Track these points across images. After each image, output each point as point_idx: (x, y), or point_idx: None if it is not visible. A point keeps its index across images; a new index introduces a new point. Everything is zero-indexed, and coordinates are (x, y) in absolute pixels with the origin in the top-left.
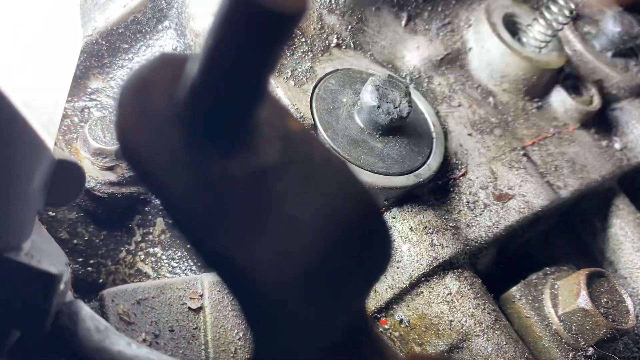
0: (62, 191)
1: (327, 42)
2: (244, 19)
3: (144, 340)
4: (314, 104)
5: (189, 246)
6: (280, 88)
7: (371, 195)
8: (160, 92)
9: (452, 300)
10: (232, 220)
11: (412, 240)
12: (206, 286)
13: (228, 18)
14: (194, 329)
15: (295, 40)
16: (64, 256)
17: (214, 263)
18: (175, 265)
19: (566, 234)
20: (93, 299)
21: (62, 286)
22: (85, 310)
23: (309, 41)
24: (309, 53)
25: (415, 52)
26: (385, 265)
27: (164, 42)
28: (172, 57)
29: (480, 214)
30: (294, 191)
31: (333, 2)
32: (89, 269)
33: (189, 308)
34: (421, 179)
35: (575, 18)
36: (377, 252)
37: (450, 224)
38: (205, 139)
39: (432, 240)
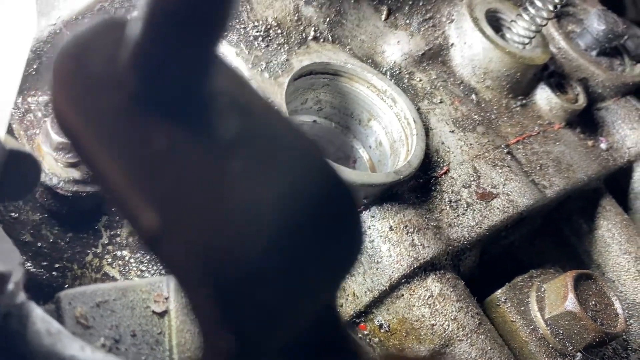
0: (15, 184)
1: (304, 34)
2: None
3: (103, 345)
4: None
5: (126, 224)
6: (254, 80)
7: (340, 176)
8: (100, 56)
9: (433, 303)
10: (181, 195)
11: (392, 240)
12: (172, 288)
13: None
14: (158, 333)
15: (271, 31)
16: (17, 255)
17: (151, 241)
18: (144, 268)
19: (552, 236)
20: (49, 302)
21: (10, 286)
22: (37, 312)
23: (285, 33)
24: (285, 45)
25: (396, 47)
26: (356, 253)
27: None
28: (115, 20)
29: (463, 213)
30: (253, 170)
31: None
32: (54, 273)
33: (153, 312)
34: (401, 176)
35: (559, 14)
36: (347, 238)
37: (432, 224)
38: (150, 107)
39: (412, 240)
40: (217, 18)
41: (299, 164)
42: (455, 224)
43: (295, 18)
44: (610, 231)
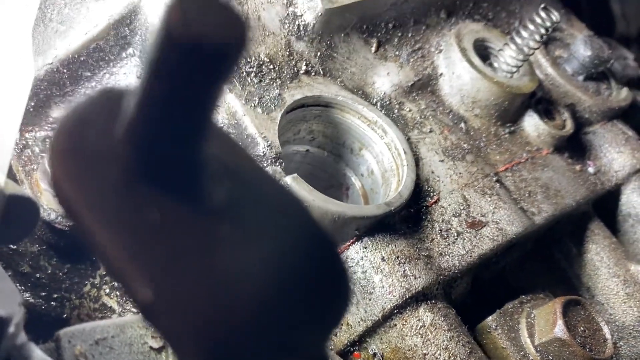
0: (14, 228)
1: (295, 69)
2: (176, 52)
3: None
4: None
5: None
6: (248, 116)
7: (327, 234)
8: (97, 129)
9: (425, 332)
10: (174, 267)
11: (384, 271)
12: None
13: (161, 50)
14: None
15: (263, 67)
16: (17, 295)
17: (146, 312)
18: None
19: (542, 260)
20: (49, 340)
21: (12, 329)
22: (37, 354)
23: (277, 68)
24: (277, 80)
25: (386, 78)
26: (343, 311)
27: (128, 70)
28: (112, 91)
29: (454, 242)
30: (243, 234)
31: (301, 28)
32: (52, 303)
33: (151, 347)
34: (392, 208)
35: (546, 42)
36: (334, 295)
37: (423, 253)
38: (144, 180)
39: (404, 271)
40: (210, 92)
41: (285, 221)
42: (446, 253)
43: (287, 53)
44: (599, 255)
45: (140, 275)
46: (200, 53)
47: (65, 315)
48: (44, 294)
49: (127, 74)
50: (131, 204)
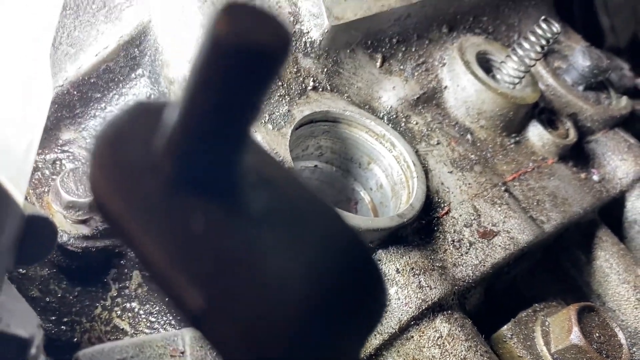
0: (33, 248)
1: (303, 85)
2: (223, 61)
3: None
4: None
5: (168, 305)
6: (259, 133)
7: (360, 239)
8: (136, 142)
9: (443, 343)
10: (222, 274)
11: (399, 283)
12: (187, 342)
13: (207, 61)
14: None
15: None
16: (35, 317)
17: (197, 321)
18: (153, 320)
19: (551, 269)
20: None
21: (33, 350)
22: None
23: (285, 85)
24: (286, 97)
25: (392, 92)
26: (380, 313)
27: (138, 91)
28: (149, 104)
29: (466, 253)
30: (282, 240)
31: (308, 45)
32: (62, 327)
33: None
34: (405, 219)
35: (547, 54)
36: (370, 299)
37: (437, 264)
38: (186, 190)
39: (419, 282)
40: (254, 101)
41: (320, 228)
42: (460, 263)
43: (295, 70)
44: (608, 261)
45: (190, 283)
46: (245, 61)
47: (75, 339)
48: (53, 318)
49: (136, 94)
50: (176, 214)
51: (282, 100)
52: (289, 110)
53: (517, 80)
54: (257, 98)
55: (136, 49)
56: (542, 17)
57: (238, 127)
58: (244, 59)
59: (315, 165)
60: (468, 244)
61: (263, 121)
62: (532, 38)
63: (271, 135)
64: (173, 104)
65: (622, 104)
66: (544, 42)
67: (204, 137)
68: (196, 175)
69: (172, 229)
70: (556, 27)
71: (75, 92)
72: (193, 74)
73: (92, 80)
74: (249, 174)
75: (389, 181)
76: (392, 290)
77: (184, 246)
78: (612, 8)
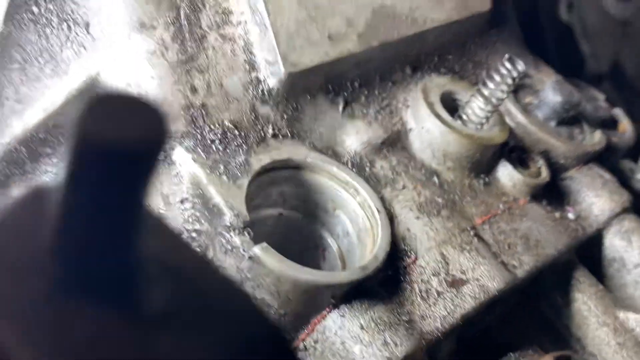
0: None
1: (262, 133)
2: (95, 157)
3: None
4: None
5: None
6: (212, 185)
7: (283, 336)
8: (24, 238)
9: None
10: None
11: (363, 341)
12: None
13: (78, 156)
14: None
15: (228, 134)
16: None
17: None
18: None
19: (528, 313)
20: None
21: None
22: None
23: (242, 134)
24: (244, 146)
25: (355, 136)
26: None
27: None
28: (44, 191)
29: (434, 304)
30: (187, 341)
31: (266, 93)
32: None
33: None
34: (368, 272)
35: (516, 90)
36: None
37: (404, 318)
38: (74, 293)
39: (384, 339)
40: (135, 192)
41: (235, 326)
42: (428, 315)
43: (253, 117)
44: (586, 304)
45: None
46: (118, 156)
47: None
48: None
49: None
50: (60, 320)
51: (239, 149)
52: (246, 160)
53: (484, 120)
54: (136, 191)
55: None
56: (506, 56)
57: (122, 220)
58: (115, 154)
59: (280, 213)
60: (436, 294)
61: (218, 172)
62: (497, 78)
63: (225, 187)
64: (57, 187)
65: (595, 139)
66: (509, 81)
67: (86, 234)
68: (83, 275)
69: (54, 336)
70: (521, 65)
71: (23, 149)
72: (66, 170)
73: (40, 136)
74: (149, 265)
75: (355, 228)
76: (356, 349)
77: (68, 354)
78: (591, 34)
